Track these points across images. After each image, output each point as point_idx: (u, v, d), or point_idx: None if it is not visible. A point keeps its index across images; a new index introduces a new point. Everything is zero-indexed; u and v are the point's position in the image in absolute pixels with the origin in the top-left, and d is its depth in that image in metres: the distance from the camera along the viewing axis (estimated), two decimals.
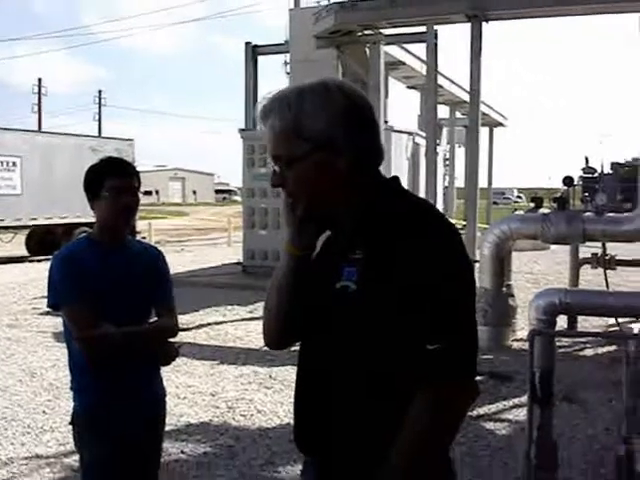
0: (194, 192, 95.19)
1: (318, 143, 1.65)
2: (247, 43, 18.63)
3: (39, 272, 14.05)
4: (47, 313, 10.13)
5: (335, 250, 1.76)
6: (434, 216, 1.70)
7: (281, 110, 1.68)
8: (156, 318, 3.08)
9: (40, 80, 50.41)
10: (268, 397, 6.81)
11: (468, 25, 12.77)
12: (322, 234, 1.82)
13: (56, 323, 8.06)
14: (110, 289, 2.87)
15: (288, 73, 17.89)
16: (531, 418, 3.88)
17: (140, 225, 24.89)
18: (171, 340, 3.13)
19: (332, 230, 1.81)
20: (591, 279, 11.45)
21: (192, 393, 6.99)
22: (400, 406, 1.62)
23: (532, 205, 10.40)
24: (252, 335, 9.50)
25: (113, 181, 2.86)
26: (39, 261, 18.83)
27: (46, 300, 2.99)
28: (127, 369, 2.91)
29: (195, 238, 30.10)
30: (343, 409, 1.70)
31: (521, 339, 8.78)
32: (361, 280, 1.64)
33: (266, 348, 2.04)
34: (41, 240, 20.80)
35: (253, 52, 18.62)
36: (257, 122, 1.74)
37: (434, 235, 1.63)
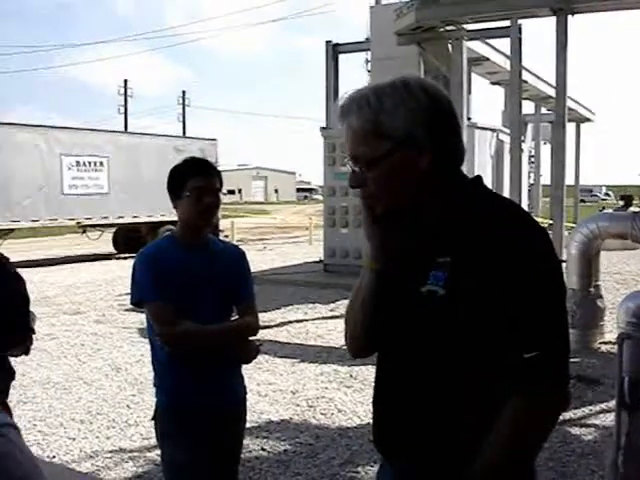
0: (276, 191, 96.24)
1: (399, 141, 1.61)
2: (327, 42, 18.63)
3: (125, 269, 14.43)
4: (132, 310, 10.38)
5: (418, 253, 1.71)
6: (521, 217, 1.64)
7: (360, 108, 1.64)
8: (237, 316, 3.11)
9: (126, 82, 51.83)
10: (348, 396, 6.80)
11: (553, 19, 12.46)
12: (404, 246, 1.76)
13: (141, 319, 8.24)
14: (192, 287, 2.91)
15: (369, 71, 17.85)
16: (619, 424, 3.74)
17: (223, 224, 25.33)
18: (252, 338, 3.16)
19: (413, 232, 1.76)
20: None
21: (273, 391, 7.04)
22: (486, 414, 1.58)
23: (621, 203, 10.06)
24: (333, 333, 9.51)
25: (195, 182, 2.90)
26: (125, 258, 19.35)
27: (129, 297, 3.05)
28: (208, 367, 2.95)
29: (277, 236, 30.40)
30: (426, 415, 1.66)
31: (609, 342, 8.52)
32: (450, 285, 1.59)
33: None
34: (127, 238, 21.37)
35: (334, 50, 18.61)
36: (337, 121, 1.70)
37: (523, 237, 1.57)
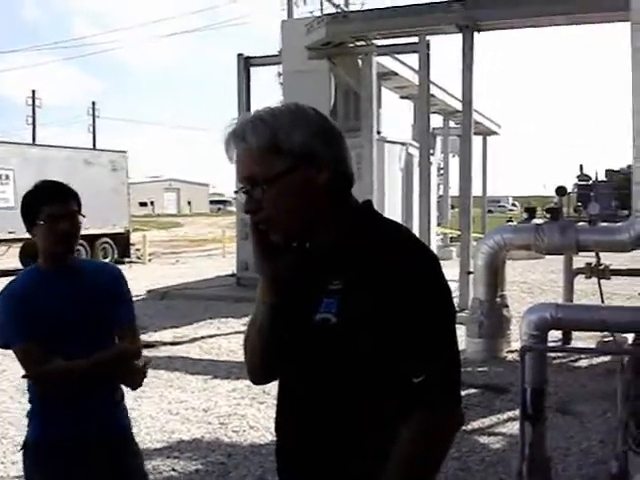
0: (189, 203, 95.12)
1: (298, 156, 1.61)
2: (239, 54, 18.59)
3: None
4: None
5: (310, 278, 1.71)
6: (411, 243, 1.66)
7: (255, 127, 1.62)
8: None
9: (34, 92, 50.34)
10: (261, 412, 6.76)
11: (460, 35, 12.79)
12: (297, 272, 1.75)
13: None
14: (61, 318, 2.76)
15: (281, 84, 17.89)
16: (523, 435, 3.85)
17: (134, 237, 24.91)
18: (136, 362, 2.99)
19: (305, 258, 1.75)
20: (585, 288, 11.43)
21: (185, 409, 6.94)
22: (383, 436, 1.59)
23: (525, 215, 10.38)
24: None
25: (49, 208, 2.75)
26: None
27: None
28: (84, 398, 2.79)
29: (190, 250, 30.06)
30: (326, 444, 1.67)
31: (516, 350, 8.72)
32: (341, 312, 1.59)
33: None
34: (35, 253, 20.68)
35: (245, 63, 18.58)
36: (227, 149, 1.66)
37: (411, 263, 1.59)
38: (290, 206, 1.64)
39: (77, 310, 2.79)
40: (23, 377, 2.80)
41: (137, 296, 14.41)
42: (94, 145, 46.40)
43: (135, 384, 2.98)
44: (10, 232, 19.22)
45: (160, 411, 6.86)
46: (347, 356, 1.59)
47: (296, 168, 1.61)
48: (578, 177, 16.99)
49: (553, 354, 8.29)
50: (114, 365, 2.87)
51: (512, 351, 8.95)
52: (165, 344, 10.08)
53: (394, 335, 1.54)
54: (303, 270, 1.74)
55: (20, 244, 21.01)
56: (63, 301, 2.79)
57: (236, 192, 1.70)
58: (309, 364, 1.69)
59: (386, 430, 1.59)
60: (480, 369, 8.36)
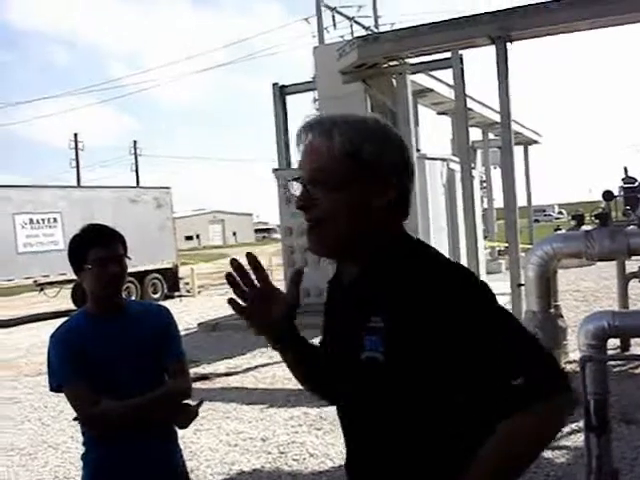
0: (234, 233, 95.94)
1: (376, 172, 1.58)
2: (274, 84, 18.80)
3: None
4: None
5: (350, 311, 1.67)
6: (458, 276, 1.58)
7: (343, 128, 1.58)
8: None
9: (76, 135, 51.38)
10: (319, 439, 6.73)
11: (493, 47, 12.74)
12: (338, 304, 1.76)
13: None
14: (111, 360, 2.79)
15: (317, 109, 18.00)
16: (589, 447, 3.76)
17: (183, 271, 25.15)
18: (188, 401, 2.98)
19: (344, 291, 1.72)
20: None
21: (243, 440, 6.94)
22: (452, 467, 1.55)
23: (573, 223, 10.22)
24: None
25: (96, 252, 2.79)
26: None
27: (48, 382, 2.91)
28: (136, 440, 2.80)
29: None
30: (395, 470, 1.64)
31: (574, 361, 8.57)
32: (389, 351, 1.54)
33: None
34: (85, 293, 20.99)
35: (281, 92, 18.78)
36: (302, 134, 1.63)
37: (459, 295, 1.52)
38: (346, 216, 1.58)
39: (125, 352, 2.82)
40: (74, 420, 2.85)
41: (188, 329, 14.55)
42: (138, 183, 47.29)
43: (185, 424, 2.97)
44: (61, 274, 19.61)
45: (219, 443, 6.88)
46: (399, 393, 1.56)
47: (368, 182, 1.58)
48: (623, 180, 16.65)
49: (612, 362, 8.10)
50: (163, 405, 2.86)
51: (570, 362, 8.78)
52: (219, 375, 10.13)
53: (452, 365, 1.49)
54: (341, 305, 1.73)
55: (71, 285, 21.40)
56: (111, 343, 2.81)
57: (294, 180, 1.65)
58: (361, 403, 1.66)
59: (454, 459, 1.55)
60: None
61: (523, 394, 1.45)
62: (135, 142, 57.18)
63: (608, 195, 10.27)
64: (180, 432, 3.02)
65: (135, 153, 56.57)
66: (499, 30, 12.50)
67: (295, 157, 19.24)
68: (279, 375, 9.79)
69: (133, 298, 20.64)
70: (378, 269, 1.62)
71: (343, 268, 1.75)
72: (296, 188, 1.64)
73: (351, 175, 1.57)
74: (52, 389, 2.90)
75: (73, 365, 2.77)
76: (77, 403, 2.79)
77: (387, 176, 1.60)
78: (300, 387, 1.98)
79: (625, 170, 16.73)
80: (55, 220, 20.33)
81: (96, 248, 2.80)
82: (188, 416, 2.95)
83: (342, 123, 1.60)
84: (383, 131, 1.63)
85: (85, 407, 2.76)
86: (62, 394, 2.89)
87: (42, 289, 21.28)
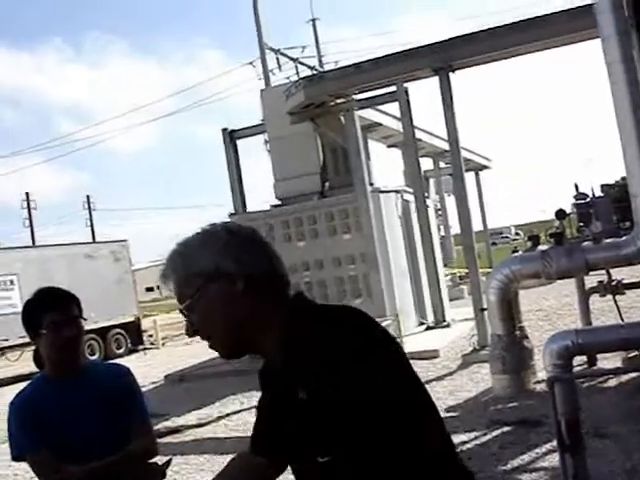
0: None
1: (209, 276, 1.69)
2: (224, 129, 18.84)
3: None
4: None
5: (279, 391, 1.73)
6: (345, 330, 1.65)
7: (173, 263, 1.74)
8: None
9: (27, 194, 50.75)
10: None
11: (436, 78, 12.96)
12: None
13: None
14: (73, 424, 2.73)
15: (269, 151, 18.07)
16: (565, 467, 3.76)
17: (145, 323, 24.84)
18: (156, 459, 2.91)
19: (266, 365, 1.82)
20: (602, 306, 11.34)
21: None
22: None
23: (529, 244, 10.35)
24: None
25: (51, 316, 2.74)
26: None
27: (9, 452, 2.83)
28: None
29: None
30: None
31: (543, 381, 8.61)
32: (308, 422, 1.59)
33: None
34: None
35: (231, 137, 18.82)
36: (165, 288, 1.78)
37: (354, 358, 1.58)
38: (217, 319, 1.71)
39: (85, 415, 2.76)
40: None
41: (155, 382, 14.32)
42: (93, 238, 46.67)
43: None
44: (21, 337, 19.16)
45: None
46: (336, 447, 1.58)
47: (209, 285, 1.69)
48: (575, 197, 16.95)
49: (581, 378, 8.17)
50: (127, 467, 2.78)
51: (539, 382, 8.83)
52: (190, 427, 9.95)
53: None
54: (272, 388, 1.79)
55: (32, 347, 20.95)
56: (72, 408, 2.76)
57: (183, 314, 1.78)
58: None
59: None
60: (510, 405, 8.24)
61: None
62: (88, 197, 56.57)
63: (561, 214, 10.43)
64: None
65: (89, 208, 55.98)
66: (440, 61, 12.75)
67: (250, 200, 19.28)
68: (251, 421, 9.59)
69: (97, 356, 20.31)
70: (283, 346, 1.68)
71: (263, 357, 1.83)
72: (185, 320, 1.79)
73: (192, 290, 1.71)
74: (13, 458, 2.83)
75: (32, 433, 2.71)
76: (39, 471, 2.73)
77: (219, 273, 1.69)
78: None
79: (576, 187, 17.02)
80: (12, 282, 19.97)
81: (51, 312, 2.75)
82: (155, 476, 2.87)
83: (172, 257, 1.76)
84: (201, 238, 1.75)
85: (47, 475, 2.69)
86: (25, 462, 2.81)
87: (3, 353, 20.83)
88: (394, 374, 1.60)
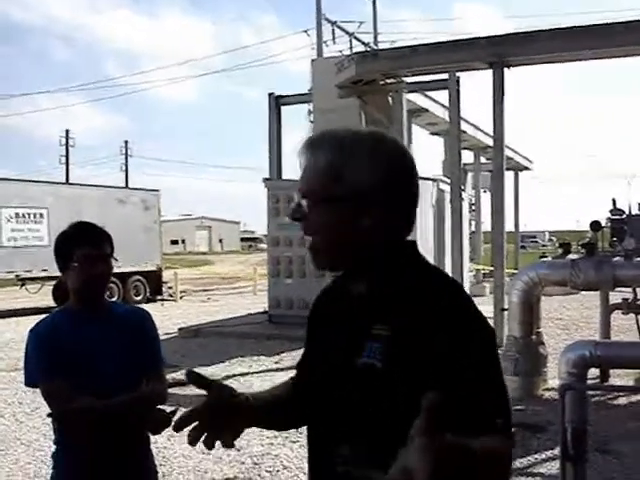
0: (220, 240, 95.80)
1: (355, 193, 1.57)
2: (270, 94, 18.83)
3: None
4: None
5: (350, 320, 1.66)
6: (456, 291, 1.61)
7: (332, 147, 1.60)
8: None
9: (67, 132, 51.24)
10: (294, 452, 6.68)
11: (490, 71, 12.82)
12: (337, 311, 1.73)
13: None
14: (90, 360, 2.75)
15: (312, 122, 18.02)
16: (564, 476, 3.74)
17: (166, 275, 25.05)
18: (162, 407, 2.91)
19: (345, 297, 1.71)
20: (622, 324, 11.24)
21: (217, 448, 6.81)
22: None
23: (560, 251, 10.26)
24: None
25: (83, 250, 2.75)
26: None
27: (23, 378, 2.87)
28: (110, 441, 2.74)
29: (221, 287, 30.13)
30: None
31: (553, 388, 8.58)
32: (387, 359, 1.54)
33: None
34: (67, 291, 20.85)
35: (276, 102, 18.81)
36: (300, 153, 1.65)
37: (458, 312, 1.54)
38: (329, 232, 1.61)
39: (105, 352, 2.78)
40: (48, 416, 2.80)
41: (169, 334, 14.46)
42: (127, 184, 47.10)
43: (157, 429, 2.90)
44: (43, 270, 19.47)
45: (192, 450, 6.79)
46: (389, 402, 1.53)
47: (349, 201, 1.58)
48: (611, 211, 16.76)
49: (591, 392, 8.11)
50: (137, 407, 2.80)
51: (548, 389, 8.79)
52: None
53: (442, 383, 1.47)
54: (342, 312, 1.70)
55: (53, 282, 21.20)
56: (91, 342, 2.78)
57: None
58: (348, 410, 1.62)
59: None
60: (516, 407, 8.20)
61: (501, 431, 1.46)
62: (126, 142, 57.11)
63: (595, 225, 10.32)
64: (153, 437, 2.98)
65: (126, 153, 56.49)
66: (496, 56, 12.59)
67: (286, 167, 19.26)
68: (257, 385, 9.72)
69: (115, 299, 20.55)
70: (380, 280, 1.63)
71: (342, 280, 1.74)
72: (296, 199, 1.66)
73: (327, 193, 1.59)
74: (27, 384, 2.86)
75: (50, 361, 2.72)
76: (51, 399, 2.75)
77: (366, 200, 1.59)
78: None
79: (614, 201, 16.83)
80: (42, 216, 20.18)
81: (83, 246, 2.76)
82: (161, 422, 2.88)
83: (331, 140, 1.62)
84: (373, 148, 1.62)
85: (60, 403, 2.71)
86: (37, 390, 2.85)
87: (24, 284, 21.12)
88: (479, 373, 1.49)
